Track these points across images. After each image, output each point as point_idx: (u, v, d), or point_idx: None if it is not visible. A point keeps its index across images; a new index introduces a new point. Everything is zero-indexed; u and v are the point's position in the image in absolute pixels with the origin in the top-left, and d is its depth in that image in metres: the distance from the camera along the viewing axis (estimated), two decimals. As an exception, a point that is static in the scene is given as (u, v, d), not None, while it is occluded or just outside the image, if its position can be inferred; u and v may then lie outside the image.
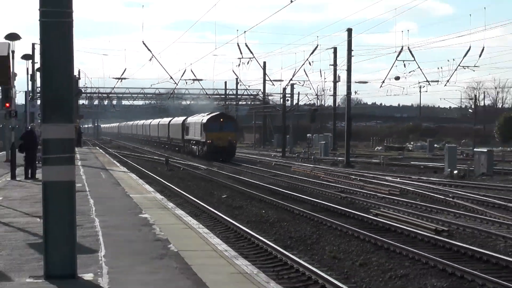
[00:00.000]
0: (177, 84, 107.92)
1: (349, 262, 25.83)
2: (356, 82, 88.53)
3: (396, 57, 69.56)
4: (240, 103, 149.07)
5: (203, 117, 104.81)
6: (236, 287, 16.89)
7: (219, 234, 29.38)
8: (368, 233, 31.11)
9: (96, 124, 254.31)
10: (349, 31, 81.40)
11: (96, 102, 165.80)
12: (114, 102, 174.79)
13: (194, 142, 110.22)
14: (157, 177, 63.14)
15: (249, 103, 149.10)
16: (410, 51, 69.42)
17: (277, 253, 26.41)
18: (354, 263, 25.67)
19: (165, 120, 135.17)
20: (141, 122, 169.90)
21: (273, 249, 27.06)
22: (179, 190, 50.70)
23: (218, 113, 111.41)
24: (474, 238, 30.06)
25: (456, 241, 29.18)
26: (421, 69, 73.33)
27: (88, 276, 16.97)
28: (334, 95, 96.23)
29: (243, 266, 19.37)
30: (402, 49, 67.88)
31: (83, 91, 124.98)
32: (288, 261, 24.86)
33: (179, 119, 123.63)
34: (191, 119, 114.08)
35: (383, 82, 73.06)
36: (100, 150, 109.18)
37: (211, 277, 17.29)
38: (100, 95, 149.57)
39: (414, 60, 71.92)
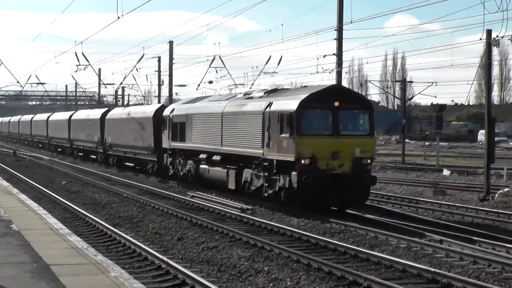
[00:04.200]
0: (23, 87, 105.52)
1: (169, 237, 27.33)
2: (176, 85, 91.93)
3: (210, 65, 73.55)
4: (79, 103, 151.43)
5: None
6: (68, 259, 18.36)
7: (58, 215, 30.76)
8: (185, 212, 33.58)
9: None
10: (171, 43, 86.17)
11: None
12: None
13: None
14: (5, 167, 63.76)
15: (86, 103, 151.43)
16: (221, 60, 73.58)
17: (107, 230, 27.93)
18: (173, 238, 27.14)
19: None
20: None
21: (103, 226, 28.64)
22: (24, 178, 52.02)
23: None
24: (273, 215, 31.91)
25: (257, 217, 31.45)
26: (230, 75, 76.90)
27: None
28: (159, 96, 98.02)
29: (76, 242, 21.30)
30: (214, 58, 72.39)
31: None
32: (117, 237, 26.28)
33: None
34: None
35: (199, 85, 76.05)
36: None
37: (47, 252, 19.04)
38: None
39: (225, 67, 75.86)
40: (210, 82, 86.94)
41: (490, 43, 46.09)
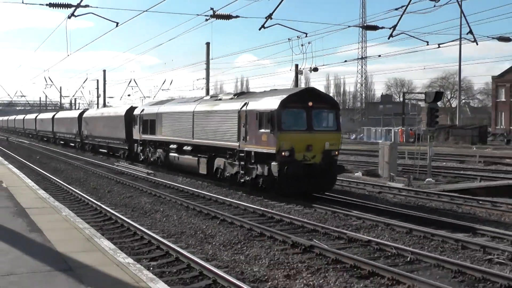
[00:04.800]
0: (12, 98, 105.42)
1: (102, 191, 27.57)
2: (108, 97, 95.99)
3: (128, 84, 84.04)
4: (48, 108, 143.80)
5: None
6: (36, 204, 18.97)
7: (33, 178, 30.62)
8: (112, 175, 34.06)
9: None
10: (104, 71, 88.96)
11: None
12: None
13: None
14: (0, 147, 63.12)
15: (52, 108, 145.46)
16: (135, 81, 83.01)
17: (63, 186, 28.11)
18: (104, 191, 27.41)
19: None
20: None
21: (61, 184, 28.90)
22: (13, 154, 51.99)
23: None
24: (166, 178, 32.17)
25: (157, 178, 32.00)
26: (141, 91, 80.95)
27: None
28: (97, 104, 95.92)
29: (42, 194, 22.38)
30: (130, 80, 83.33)
31: None
32: (69, 190, 26.57)
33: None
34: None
35: (121, 97, 77.83)
36: None
37: (24, 200, 19.86)
38: None
39: (137, 85, 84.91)
40: (129, 95, 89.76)
41: (297, 72, 49.47)
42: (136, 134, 39.23)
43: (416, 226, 17.74)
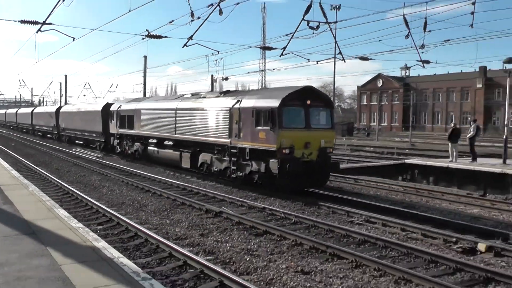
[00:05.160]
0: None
1: (62, 171, 26.95)
2: (68, 96, 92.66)
3: (84, 86, 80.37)
4: (22, 105, 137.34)
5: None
6: (9, 182, 18.52)
7: (8, 161, 29.75)
8: (72, 159, 33.20)
9: None
10: (65, 75, 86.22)
11: None
12: None
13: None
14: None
15: (24, 105, 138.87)
16: (89, 84, 79.70)
17: (32, 167, 27.43)
18: (64, 171, 26.75)
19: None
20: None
21: (30, 165, 28.13)
22: None
23: None
24: (112, 160, 32.26)
25: (105, 161, 31.64)
26: (94, 92, 79.37)
27: None
28: (60, 102, 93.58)
29: (14, 173, 21.63)
30: (86, 83, 78.15)
31: None
32: (37, 170, 25.76)
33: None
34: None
35: (78, 97, 75.03)
36: None
37: (1, 180, 19.19)
38: None
39: (91, 88, 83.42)
40: (84, 95, 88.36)
41: (212, 80, 50.30)
42: (113, 128, 34.43)
43: (297, 196, 18.28)
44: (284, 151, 18.28)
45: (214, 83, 53.24)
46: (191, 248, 11.41)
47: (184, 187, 20.80)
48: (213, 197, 18.57)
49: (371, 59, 29.37)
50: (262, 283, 9.16)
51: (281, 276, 9.47)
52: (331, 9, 49.93)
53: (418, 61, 25.43)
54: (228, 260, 10.52)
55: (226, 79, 47.09)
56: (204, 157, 23.32)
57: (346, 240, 12.60)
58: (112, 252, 8.93)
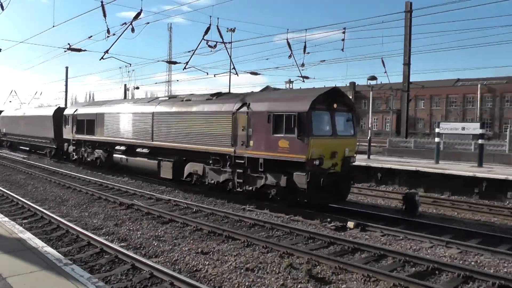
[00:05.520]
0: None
1: (4, 175, 25.12)
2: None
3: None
4: None
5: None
6: None
7: None
8: (9, 163, 30.66)
9: None
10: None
11: None
12: None
13: None
14: None
15: None
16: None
17: None
18: (5, 175, 24.90)
19: None
20: None
21: None
22: None
23: None
24: (36, 160, 30.12)
25: (31, 161, 29.43)
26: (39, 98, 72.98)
27: None
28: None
29: None
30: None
31: None
32: None
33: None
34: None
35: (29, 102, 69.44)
36: None
37: None
38: None
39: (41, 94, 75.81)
40: (10, 101, 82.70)
41: (125, 89, 49.16)
42: (68, 134, 27.66)
43: (199, 188, 18.16)
44: (314, 162, 13.67)
45: (127, 92, 52.11)
46: (107, 237, 11.17)
47: (100, 183, 20.07)
48: (125, 191, 18.10)
49: (260, 74, 30.05)
50: (168, 263, 9.20)
51: (184, 257, 9.56)
52: (227, 31, 50.46)
53: (299, 76, 26.46)
54: (139, 246, 10.42)
55: (137, 88, 46.58)
56: (193, 167, 17.87)
57: (239, 224, 12.82)
58: (36, 242, 8.58)
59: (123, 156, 21.92)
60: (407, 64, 19.28)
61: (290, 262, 9.25)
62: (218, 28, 20.43)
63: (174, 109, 18.93)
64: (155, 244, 10.57)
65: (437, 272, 9.07)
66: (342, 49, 20.70)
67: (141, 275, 8.34)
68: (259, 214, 14.46)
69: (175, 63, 28.66)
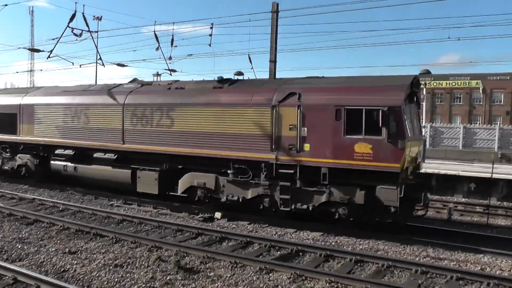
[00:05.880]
0: None
1: None
2: None
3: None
4: None
5: None
6: None
7: None
8: None
9: None
10: None
11: None
12: None
13: None
14: None
15: None
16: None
17: None
18: None
19: None
20: None
21: None
22: None
23: None
24: None
25: None
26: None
27: None
28: None
29: None
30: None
31: None
32: None
33: None
34: None
35: None
36: None
37: None
38: None
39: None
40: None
41: None
42: None
43: (71, 187, 17.73)
44: (408, 172, 10.91)
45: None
46: (-36, 243, 10.56)
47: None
48: (-15, 192, 17.15)
49: (127, 65, 29.53)
50: (34, 266, 8.99)
51: (51, 258, 9.38)
52: (94, 19, 48.54)
53: (166, 69, 26.54)
54: (0, 250, 10.01)
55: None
56: (195, 178, 13.55)
57: (107, 221, 12.80)
58: None
59: (69, 164, 16.70)
60: (273, 61, 20.39)
61: (159, 255, 9.55)
62: (83, 16, 19.70)
63: (161, 100, 14.11)
64: (19, 247, 10.22)
65: (301, 253, 9.98)
66: (210, 44, 21.14)
67: (3, 281, 8.08)
68: (127, 209, 14.50)
69: (38, 51, 27.04)
